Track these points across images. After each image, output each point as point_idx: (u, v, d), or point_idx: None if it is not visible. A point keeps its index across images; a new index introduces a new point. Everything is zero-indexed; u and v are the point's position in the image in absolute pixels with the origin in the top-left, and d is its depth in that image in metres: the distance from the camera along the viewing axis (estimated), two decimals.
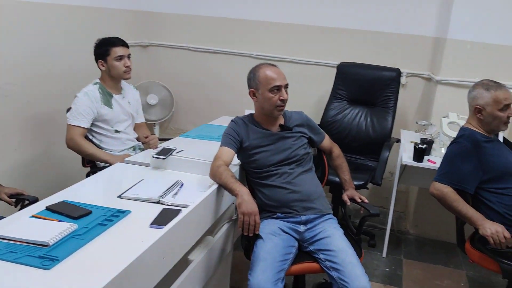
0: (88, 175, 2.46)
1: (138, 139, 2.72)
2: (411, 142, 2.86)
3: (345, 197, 2.17)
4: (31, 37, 2.73)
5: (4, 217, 1.95)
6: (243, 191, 1.76)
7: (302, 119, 2.16)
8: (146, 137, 2.62)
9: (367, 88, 3.22)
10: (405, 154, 2.76)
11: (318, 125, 3.22)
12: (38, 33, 2.78)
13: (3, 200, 2.05)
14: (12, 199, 2.06)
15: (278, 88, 1.97)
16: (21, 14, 2.65)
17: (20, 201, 2.06)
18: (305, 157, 2.08)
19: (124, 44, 2.53)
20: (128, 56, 2.54)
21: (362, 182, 2.81)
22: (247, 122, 2.10)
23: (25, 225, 1.50)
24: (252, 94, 2.04)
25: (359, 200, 2.13)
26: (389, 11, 3.30)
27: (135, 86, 3.57)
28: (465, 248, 2.21)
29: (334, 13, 3.41)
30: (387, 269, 2.84)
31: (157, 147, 2.41)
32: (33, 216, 1.58)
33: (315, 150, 2.31)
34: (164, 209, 1.71)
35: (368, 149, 3.16)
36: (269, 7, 3.55)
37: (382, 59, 3.28)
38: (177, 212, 1.66)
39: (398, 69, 3.16)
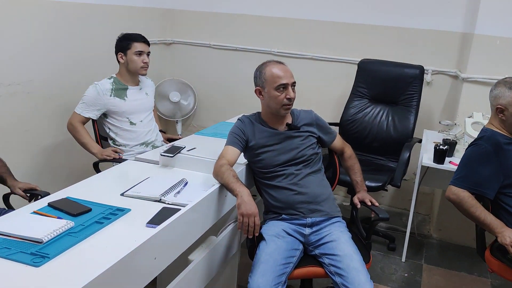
0: (95, 165, 2.49)
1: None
2: (433, 142, 2.74)
3: (355, 199, 2.10)
4: (53, 35, 2.79)
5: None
6: (243, 192, 1.73)
7: (311, 118, 2.10)
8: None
9: (389, 86, 3.11)
10: (425, 155, 2.64)
11: (338, 123, 3.20)
12: (60, 31, 2.84)
13: (18, 195, 2.09)
14: (26, 194, 2.11)
15: (284, 86, 1.92)
16: (45, 12, 2.71)
17: (34, 196, 2.10)
18: (313, 157, 2.03)
19: (145, 41, 2.61)
20: (148, 54, 2.61)
21: (380, 184, 2.72)
22: (253, 121, 2.06)
23: (24, 221, 1.52)
24: (258, 93, 2.00)
25: (370, 203, 2.05)
26: (413, 5, 3.17)
27: (158, 83, 3.63)
28: (484, 256, 2.09)
29: (356, 8, 3.32)
30: (406, 274, 2.73)
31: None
32: (34, 212, 1.60)
33: (326, 150, 2.25)
34: (164, 208, 1.70)
35: (389, 149, 3.06)
36: (291, 3, 3.50)
37: (406, 56, 3.17)
38: (175, 211, 1.64)
39: (422, 67, 3.03)
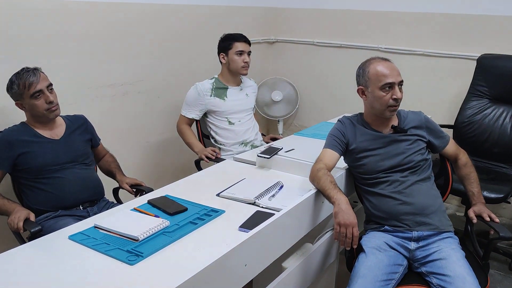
0: (196, 163, 2.54)
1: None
2: None
3: (471, 213, 1.85)
4: (160, 38, 2.92)
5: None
6: (341, 199, 1.61)
7: (420, 120, 1.90)
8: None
9: None
10: None
11: (452, 126, 2.90)
12: (167, 34, 2.96)
13: (125, 189, 2.21)
14: (132, 189, 2.21)
15: (390, 86, 1.76)
16: (153, 16, 2.85)
17: (139, 191, 2.20)
18: (421, 164, 1.83)
19: (246, 40, 2.62)
20: (249, 53, 2.62)
21: (502, 195, 2.40)
22: (355, 123, 1.92)
23: (124, 217, 1.57)
24: (361, 92, 1.85)
25: (488, 219, 1.79)
26: None
27: (261, 82, 3.64)
28: None
29: None
30: None
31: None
32: (134, 209, 1.65)
33: (437, 155, 2.03)
34: (258, 211, 1.65)
35: None
36: None
37: None
38: (269, 215, 1.58)
39: None
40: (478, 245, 1.84)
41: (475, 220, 1.83)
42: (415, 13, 3.21)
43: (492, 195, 2.39)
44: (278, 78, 3.83)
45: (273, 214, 1.60)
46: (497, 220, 1.78)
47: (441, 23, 3.12)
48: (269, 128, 4.13)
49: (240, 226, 1.52)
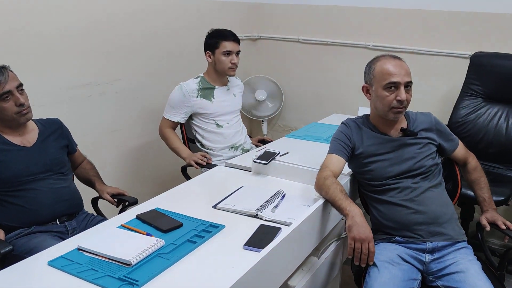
0: (183, 169, 2.35)
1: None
2: None
3: (483, 220, 1.74)
4: (139, 34, 2.71)
5: (106, 218, 1.93)
6: (355, 212, 1.46)
7: (430, 122, 1.78)
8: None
9: (509, 83, 2.66)
10: None
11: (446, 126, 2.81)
12: (145, 30, 2.74)
13: (106, 199, 2.01)
14: (114, 199, 2.02)
15: (395, 85, 1.62)
16: (130, 10, 2.63)
17: (122, 201, 2.01)
18: (432, 168, 1.71)
19: (235, 39, 2.43)
20: (237, 53, 2.43)
21: (502, 198, 2.31)
22: (360, 125, 1.78)
23: (111, 236, 1.38)
24: (366, 91, 1.72)
25: (504, 227, 1.69)
26: None
27: (244, 81, 3.47)
28: None
29: None
30: None
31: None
32: (122, 226, 1.46)
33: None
34: (262, 225, 1.48)
35: (509, 156, 2.63)
36: None
37: None
38: (276, 230, 1.43)
39: None
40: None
41: (488, 228, 1.73)
42: (405, 10, 3.11)
43: (493, 198, 2.30)
44: (262, 76, 3.66)
45: (279, 228, 1.45)
46: None
47: (432, 20, 3.03)
48: (253, 129, 3.97)
49: (245, 244, 1.35)
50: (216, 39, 2.39)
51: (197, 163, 2.27)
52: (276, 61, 3.75)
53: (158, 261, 1.25)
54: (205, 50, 2.44)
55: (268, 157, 1.97)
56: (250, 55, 3.76)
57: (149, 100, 2.81)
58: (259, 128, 3.85)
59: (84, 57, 2.42)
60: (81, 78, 2.43)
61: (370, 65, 1.70)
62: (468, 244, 1.67)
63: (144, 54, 2.76)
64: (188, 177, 2.33)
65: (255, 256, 1.22)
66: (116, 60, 2.60)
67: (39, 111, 1.98)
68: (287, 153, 2.12)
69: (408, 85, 1.66)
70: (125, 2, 2.59)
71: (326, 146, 1.82)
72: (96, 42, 2.46)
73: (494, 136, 2.69)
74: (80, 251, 1.31)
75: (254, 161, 1.95)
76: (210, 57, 2.42)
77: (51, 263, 1.24)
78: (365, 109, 1.93)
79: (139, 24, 2.69)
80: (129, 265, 1.22)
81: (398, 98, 1.63)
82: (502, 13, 2.81)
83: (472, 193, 1.89)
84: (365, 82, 1.73)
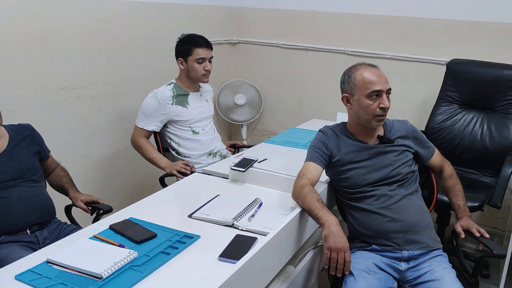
0: (160, 179, 2.30)
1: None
2: None
3: (458, 227, 1.76)
4: (115, 37, 2.66)
5: (80, 227, 1.89)
6: (332, 221, 1.46)
7: (407, 129, 1.79)
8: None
9: (484, 90, 2.70)
10: None
11: (422, 132, 2.83)
12: (122, 32, 2.70)
13: (80, 207, 1.96)
14: (88, 207, 1.97)
15: (378, 94, 1.63)
16: (105, 13, 2.58)
17: (96, 209, 1.97)
18: (409, 176, 1.72)
19: (208, 45, 2.35)
20: (210, 59, 2.36)
21: (477, 204, 2.34)
22: (338, 133, 1.78)
23: (83, 248, 1.34)
24: (346, 100, 1.71)
25: (478, 234, 1.71)
26: None
27: (223, 85, 3.44)
28: None
29: (442, 2, 2.93)
30: None
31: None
32: (94, 237, 1.42)
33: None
34: (238, 235, 1.46)
35: (484, 162, 2.66)
36: None
37: (506, 56, 2.74)
38: (252, 241, 1.41)
39: None
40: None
41: (463, 235, 1.74)
42: (383, 16, 3.14)
43: (468, 204, 2.33)
44: (241, 80, 3.65)
45: (255, 238, 1.43)
46: (487, 235, 1.71)
47: (410, 27, 3.07)
48: (232, 133, 3.95)
49: (220, 256, 1.33)
50: (188, 46, 2.31)
51: (180, 172, 2.21)
52: (255, 66, 3.74)
53: (130, 274, 1.22)
54: (177, 57, 2.36)
55: (245, 164, 1.95)
56: (230, 59, 3.75)
57: (125, 105, 2.76)
58: (238, 132, 3.83)
59: (59, 61, 2.36)
60: (56, 82, 2.37)
61: (349, 74, 1.70)
62: (444, 249, 1.68)
63: (120, 59, 2.71)
64: (165, 186, 2.29)
65: (230, 268, 1.20)
66: (91, 65, 2.55)
67: (11, 116, 1.93)
68: (266, 159, 2.11)
69: (388, 92, 1.67)
70: (101, 6, 2.54)
71: (304, 152, 1.81)
72: (71, 46, 2.41)
73: (469, 142, 2.72)
74: (49, 264, 1.26)
75: (232, 168, 1.93)
76: (182, 64, 2.35)
77: (18, 277, 1.20)
78: (343, 115, 1.93)
79: (115, 28, 2.65)
80: (100, 278, 1.18)
81: (382, 105, 1.64)
82: (478, 21, 2.86)
83: (448, 199, 1.91)
84: (344, 92, 1.72)
